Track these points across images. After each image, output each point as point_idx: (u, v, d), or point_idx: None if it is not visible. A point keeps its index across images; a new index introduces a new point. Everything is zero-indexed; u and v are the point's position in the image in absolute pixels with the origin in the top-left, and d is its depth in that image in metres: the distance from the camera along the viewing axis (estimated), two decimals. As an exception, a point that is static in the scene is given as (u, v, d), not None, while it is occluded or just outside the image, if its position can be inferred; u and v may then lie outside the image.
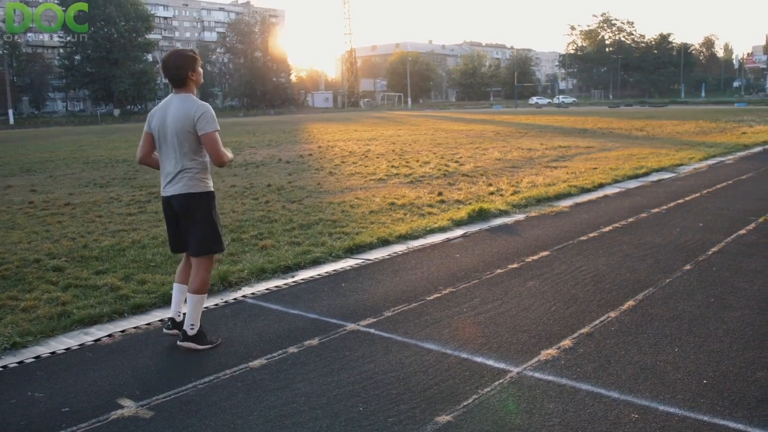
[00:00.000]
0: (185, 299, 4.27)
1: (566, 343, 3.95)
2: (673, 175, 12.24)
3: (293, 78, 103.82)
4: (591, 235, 7.06)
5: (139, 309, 5.08)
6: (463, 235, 7.37)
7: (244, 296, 5.37)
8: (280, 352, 4.07)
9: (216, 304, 5.19)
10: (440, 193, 10.29)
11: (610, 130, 25.84)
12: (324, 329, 4.45)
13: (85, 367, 3.96)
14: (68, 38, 76.55)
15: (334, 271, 6.07)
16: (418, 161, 15.42)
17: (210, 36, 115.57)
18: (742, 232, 6.91)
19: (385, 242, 7.08)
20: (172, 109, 4.01)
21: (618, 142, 20.01)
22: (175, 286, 4.41)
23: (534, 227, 7.69)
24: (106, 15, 74.07)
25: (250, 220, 8.57)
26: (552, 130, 26.97)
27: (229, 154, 4.12)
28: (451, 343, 4.07)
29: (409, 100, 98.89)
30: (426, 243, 7.05)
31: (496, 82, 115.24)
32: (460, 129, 29.95)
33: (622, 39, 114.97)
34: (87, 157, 19.96)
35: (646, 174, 12.21)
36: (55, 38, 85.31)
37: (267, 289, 5.54)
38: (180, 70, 4.01)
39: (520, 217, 8.38)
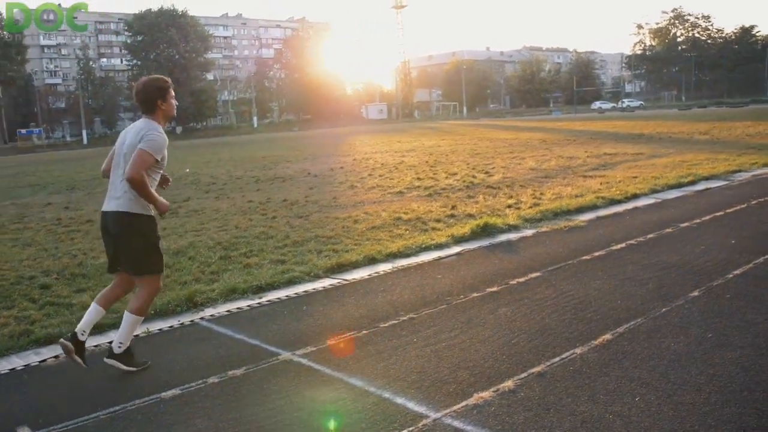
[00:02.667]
0: (94, 322, 4.10)
1: (508, 384, 3.36)
2: (724, 183, 11.13)
3: (349, 91, 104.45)
4: (597, 253, 6.36)
5: (97, 329, 4.77)
6: (458, 254, 6.79)
7: (201, 318, 5.08)
8: (199, 382, 3.74)
9: (171, 326, 4.94)
10: (453, 207, 9.71)
11: (669, 135, 24.27)
12: (257, 358, 4.08)
13: (11, 389, 3.88)
14: (134, 61, 79.62)
15: (304, 292, 5.67)
16: (446, 172, 14.82)
17: (267, 53, 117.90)
18: (778, 250, 6.07)
19: (371, 261, 6.60)
20: (133, 130, 3.99)
21: (673, 147, 18.67)
22: (93, 305, 4.09)
23: (538, 244, 7.04)
24: (168, 37, 76.69)
25: (247, 236, 8.26)
26: (604, 137, 25.74)
27: (153, 193, 3.88)
28: (379, 380, 3.56)
29: (465, 108, 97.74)
30: (414, 262, 6.52)
31: (556, 88, 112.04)
32: (506, 138, 29.07)
33: (697, 35, 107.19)
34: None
35: (692, 183, 11.12)
36: (124, 62, 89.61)
37: (228, 311, 5.24)
38: (148, 95, 3.97)
39: (529, 232, 7.72)
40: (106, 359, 3.99)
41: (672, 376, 3.38)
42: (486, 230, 7.77)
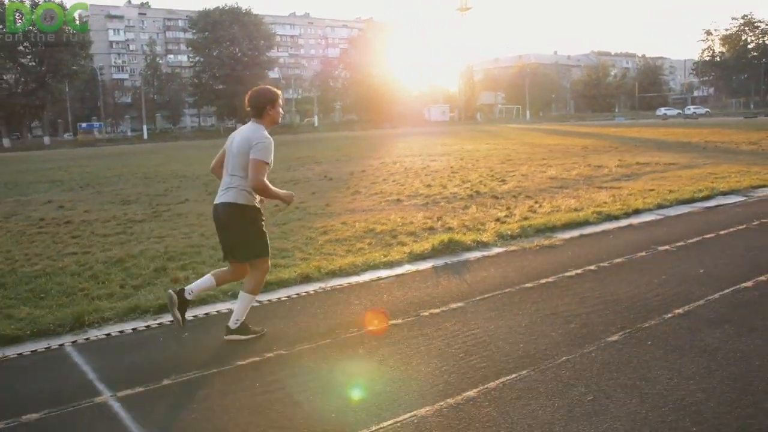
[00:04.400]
0: (204, 287, 4.61)
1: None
2: (742, 199, 10.17)
3: (413, 92, 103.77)
4: (545, 280, 5.65)
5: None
6: (400, 275, 6.21)
7: (73, 342, 4.65)
8: (-21, 430, 3.32)
9: (34, 350, 4.51)
10: (439, 218, 9.12)
11: (716, 144, 22.82)
12: (73, 398, 3.61)
13: None
14: (197, 58, 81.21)
15: (205, 314, 5.22)
16: (461, 179, 14.16)
17: (334, 52, 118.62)
18: (747, 284, 5.21)
19: (305, 279, 6.10)
20: (244, 132, 4.39)
21: (713, 158, 17.45)
22: (208, 275, 4.63)
23: (493, 266, 6.37)
24: (231, 35, 77.86)
25: (204, 245, 7.88)
26: (650, 144, 24.38)
27: (275, 190, 4.34)
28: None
29: (528, 112, 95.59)
30: (348, 282, 5.98)
31: (622, 93, 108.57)
32: (551, 143, 27.93)
33: None
34: (153, 173, 20.42)
35: (707, 198, 10.20)
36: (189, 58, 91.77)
37: (107, 334, 4.82)
38: (259, 101, 4.38)
39: (496, 251, 7.05)
40: (225, 337, 4.44)
41: (502, 455, 2.74)
42: (450, 247, 7.15)
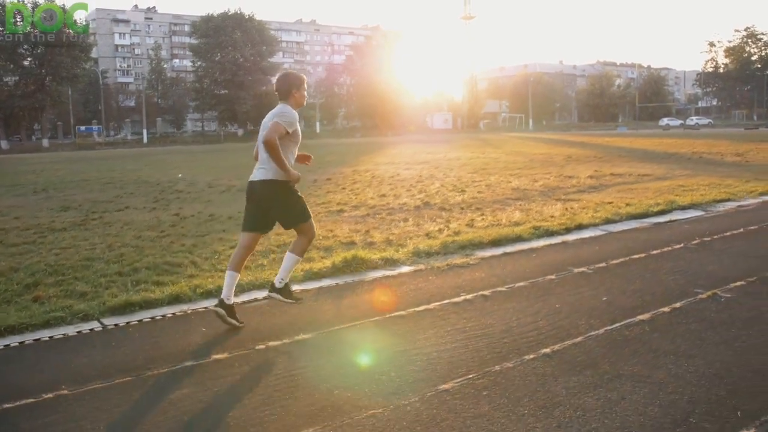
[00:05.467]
0: (234, 286, 4.71)
1: None
2: (699, 214, 9.55)
3: (418, 100, 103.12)
4: (423, 308, 5.02)
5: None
6: (266, 297, 5.60)
7: None
8: None
9: None
10: (366, 232, 8.54)
11: (701, 155, 22.21)
12: None
13: None
14: (199, 63, 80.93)
15: (35, 340, 4.67)
16: (419, 189, 13.59)
17: (339, 59, 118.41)
18: (644, 316, 4.57)
19: (176, 299, 5.54)
20: (271, 114, 4.69)
21: (691, 169, 16.85)
22: (228, 273, 4.71)
23: (385, 288, 5.78)
24: (233, 40, 77.58)
25: (102, 258, 7.29)
26: (635, 155, 23.72)
27: (286, 164, 4.54)
28: None
29: (531, 121, 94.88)
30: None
31: (626, 103, 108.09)
32: (537, 152, 27.29)
33: None
34: (119, 178, 19.93)
35: (662, 212, 9.59)
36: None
37: None
38: (285, 84, 4.71)
39: (402, 270, 6.48)
40: (268, 293, 4.96)
41: None
42: (352, 265, 6.57)
